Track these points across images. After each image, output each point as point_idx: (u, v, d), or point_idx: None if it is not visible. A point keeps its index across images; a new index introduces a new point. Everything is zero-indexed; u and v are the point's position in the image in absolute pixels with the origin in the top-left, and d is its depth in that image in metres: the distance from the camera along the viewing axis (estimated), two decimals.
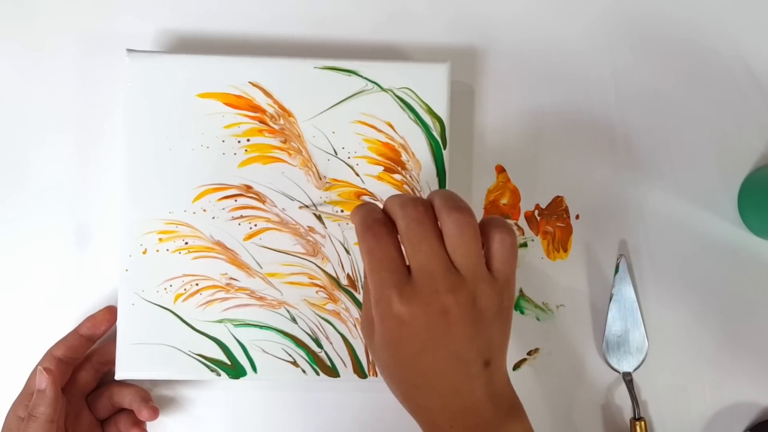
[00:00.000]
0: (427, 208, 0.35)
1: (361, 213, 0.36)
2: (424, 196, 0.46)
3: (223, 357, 0.45)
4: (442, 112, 0.46)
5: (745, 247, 0.51)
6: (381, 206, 0.37)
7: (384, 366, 0.37)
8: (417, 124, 0.46)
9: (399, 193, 0.44)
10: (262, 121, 0.46)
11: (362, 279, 0.46)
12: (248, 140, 0.46)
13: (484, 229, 0.35)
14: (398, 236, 0.35)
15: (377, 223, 0.35)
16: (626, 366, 0.50)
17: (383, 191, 0.46)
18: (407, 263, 0.35)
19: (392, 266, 0.34)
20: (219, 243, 0.46)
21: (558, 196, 0.51)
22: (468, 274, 0.34)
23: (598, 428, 0.50)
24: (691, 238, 0.51)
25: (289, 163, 0.46)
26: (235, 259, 0.46)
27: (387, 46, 0.51)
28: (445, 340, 0.34)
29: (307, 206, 0.46)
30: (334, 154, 0.46)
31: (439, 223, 0.35)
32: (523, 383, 0.50)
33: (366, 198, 0.46)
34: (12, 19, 0.50)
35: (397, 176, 0.46)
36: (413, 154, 0.46)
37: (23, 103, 0.50)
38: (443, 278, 0.33)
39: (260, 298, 0.46)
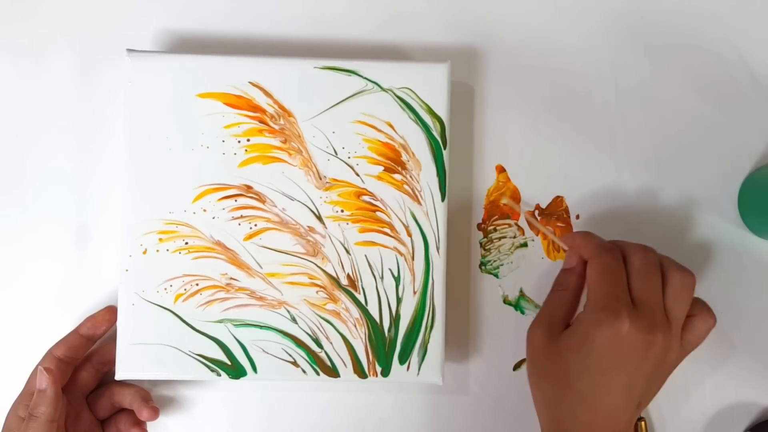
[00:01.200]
0: (660, 258, 0.41)
1: (597, 239, 0.43)
2: (424, 196, 0.46)
3: (223, 357, 0.45)
4: (442, 112, 0.46)
5: (745, 247, 0.51)
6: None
7: (559, 367, 0.40)
8: (417, 124, 0.46)
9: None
10: (262, 121, 0.46)
11: (362, 279, 0.46)
12: (248, 140, 0.46)
13: (693, 304, 0.41)
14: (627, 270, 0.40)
15: (617, 249, 0.41)
16: None
17: (383, 191, 0.46)
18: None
19: (626, 289, 0.39)
20: (219, 243, 0.46)
21: (558, 196, 0.51)
22: (674, 325, 0.40)
23: None
24: (691, 239, 0.51)
25: (289, 163, 0.46)
26: (235, 259, 0.46)
27: (387, 46, 0.51)
28: (634, 368, 0.39)
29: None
30: (334, 154, 0.46)
31: (664, 273, 0.40)
32: (523, 383, 0.50)
33: (366, 198, 0.46)
34: (12, 18, 0.50)
35: (397, 176, 0.46)
36: (413, 154, 0.46)
37: (23, 103, 0.50)
38: (660, 318, 0.39)
39: (260, 298, 0.46)
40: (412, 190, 0.46)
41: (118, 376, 0.45)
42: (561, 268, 0.45)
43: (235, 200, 0.46)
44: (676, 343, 0.40)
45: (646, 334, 0.38)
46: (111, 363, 0.46)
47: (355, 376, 0.46)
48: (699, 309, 0.41)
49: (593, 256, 0.41)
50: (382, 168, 0.46)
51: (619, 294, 0.39)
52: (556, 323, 0.42)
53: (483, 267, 0.50)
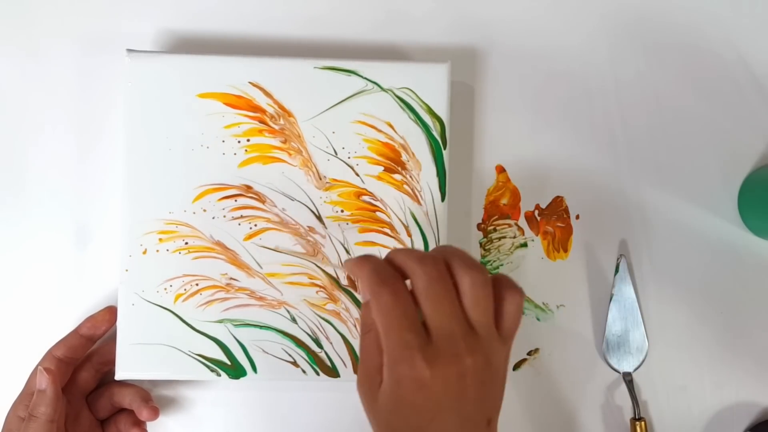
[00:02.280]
0: (445, 267, 0.34)
1: (370, 266, 0.35)
2: (424, 196, 0.46)
3: (223, 357, 0.45)
4: (442, 112, 0.46)
5: (745, 247, 0.51)
6: (383, 258, 0.36)
7: (388, 428, 0.35)
8: (417, 124, 0.46)
9: (402, 247, 0.41)
10: (262, 121, 0.46)
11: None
12: (248, 140, 0.46)
13: (494, 288, 0.35)
14: (413, 292, 0.34)
15: (393, 278, 0.34)
16: (626, 366, 0.50)
17: (383, 191, 0.46)
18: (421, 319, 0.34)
19: (414, 327, 0.33)
20: (219, 243, 0.46)
21: (558, 196, 0.51)
22: (483, 332, 0.34)
23: (598, 428, 0.50)
24: (691, 238, 0.51)
25: (289, 163, 0.46)
26: (235, 259, 0.46)
27: (387, 46, 0.51)
28: (458, 404, 0.33)
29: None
30: (334, 154, 0.46)
31: (455, 280, 0.34)
32: (523, 383, 0.50)
33: (366, 198, 0.46)
34: (12, 19, 0.50)
35: (397, 176, 0.46)
36: (413, 154, 0.46)
37: (23, 103, 0.50)
38: (463, 339, 0.33)
39: (260, 298, 0.46)
40: (412, 190, 0.46)
41: (118, 376, 0.45)
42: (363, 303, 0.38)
43: (235, 200, 0.46)
44: (496, 344, 0.34)
45: (453, 367, 0.33)
46: (111, 363, 0.46)
47: (355, 376, 0.46)
48: (503, 291, 0.35)
49: (371, 296, 0.34)
50: (382, 168, 0.46)
51: (407, 338, 0.33)
52: (373, 375, 0.35)
53: None
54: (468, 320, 0.34)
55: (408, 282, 0.35)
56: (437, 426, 0.34)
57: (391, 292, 0.34)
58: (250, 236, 0.46)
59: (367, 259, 0.36)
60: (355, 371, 0.46)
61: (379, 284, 0.34)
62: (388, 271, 0.35)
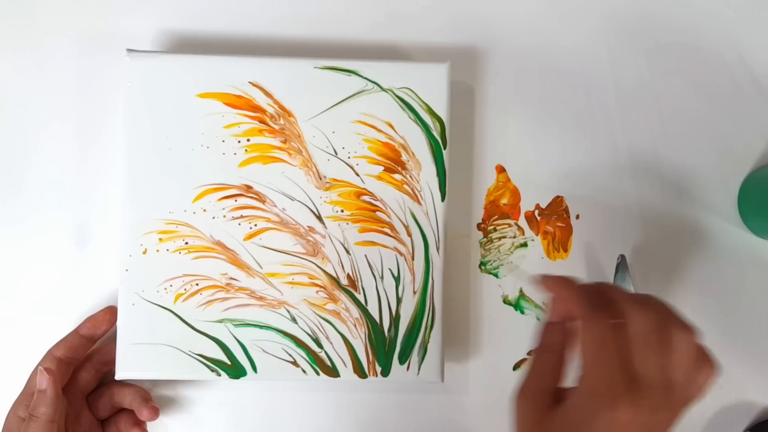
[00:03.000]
0: (663, 317, 0.35)
1: (583, 290, 0.35)
2: (424, 196, 0.46)
3: (223, 357, 0.45)
4: (442, 112, 0.46)
5: (745, 247, 0.51)
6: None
7: None
8: (417, 124, 0.46)
9: (611, 284, 0.40)
10: (262, 121, 0.46)
11: (362, 279, 0.46)
12: (248, 140, 0.46)
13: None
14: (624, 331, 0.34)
15: (606, 310, 0.35)
16: None
17: (383, 191, 0.46)
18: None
19: (626, 367, 0.33)
20: (219, 243, 0.46)
21: (558, 196, 0.51)
22: (677, 394, 0.34)
23: None
24: (691, 238, 0.51)
25: (289, 163, 0.46)
26: (235, 259, 0.46)
27: (387, 46, 0.51)
28: None
29: None
30: (334, 154, 0.46)
31: (668, 335, 0.34)
32: None
33: (366, 198, 0.46)
34: (12, 19, 0.50)
35: (397, 176, 0.46)
36: (413, 154, 0.46)
37: (23, 103, 0.50)
38: (663, 397, 0.33)
39: (260, 298, 0.46)
40: (412, 190, 0.46)
41: (118, 376, 0.45)
42: (544, 321, 0.39)
43: (235, 200, 0.46)
44: (679, 410, 0.35)
45: (648, 417, 0.33)
46: (111, 363, 0.46)
47: (355, 376, 0.46)
48: (700, 361, 0.35)
49: (585, 320, 0.35)
50: (382, 168, 0.46)
51: (617, 375, 0.33)
52: (545, 394, 0.36)
53: (483, 267, 0.50)
54: (671, 377, 0.34)
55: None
56: None
57: (608, 325, 0.34)
58: (250, 236, 0.46)
59: (571, 281, 0.36)
60: (355, 371, 0.46)
61: (600, 310, 0.34)
62: (603, 302, 0.35)
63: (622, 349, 0.34)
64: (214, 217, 0.45)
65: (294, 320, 0.46)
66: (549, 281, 0.37)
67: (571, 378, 0.36)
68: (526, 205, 0.51)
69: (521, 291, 0.50)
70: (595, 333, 0.34)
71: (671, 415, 0.34)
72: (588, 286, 0.36)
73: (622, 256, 0.50)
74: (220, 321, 0.45)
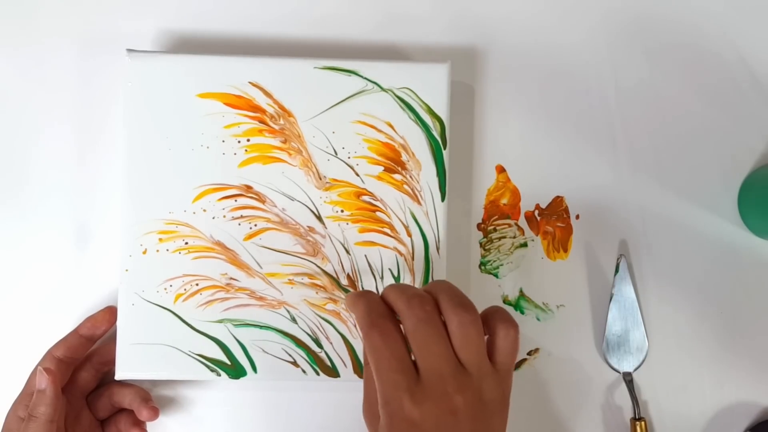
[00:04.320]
0: (433, 307, 0.35)
1: (364, 306, 0.36)
2: (424, 196, 0.46)
3: (223, 357, 0.45)
4: (442, 112, 0.46)
5: (745, 247, 0.51)
6: (379, 294, 0.37)
7: None
8: (417, 124, 0.46)
9: (396, 283, 0.41)
10: (262, 121, 0.46)
11: (362, 279, 0.46)
12: (248, 140, 0.46)
13: (487, 321, 0.36)
14: (403, 332, 0.35)
15: (383, 319, 0.35)
16: (626, 366, 0.50)
17: (383, 191, 0.46)
18: (412, 358, 0.35)
19: (402, 367, 0.34)
20: (219, 243, 0.46)
21: (558, 196, 0.51)
22: (474, 370, 0.34)
23: (598, 428, 0.50)
24: (691, 238, 0.51)
25: (289, 163, 0.46)
26: (235, 259, 0.46)
27: (387, 46, 0.51)
28: None
29: None
30: (334, 154, 0.46)
31: (443, 319, 0.35)
32: (523, 383, 0.50)
33: (366, 198, 0.46)
34: (12, 19, 0.50)
35: (397, 176, 0.46)
36: (413, 154, 0.46)
37: (23, 103, 0.50)
38: (452, 378, 0.34)
39: (260, 298, 0.46)
40: (412, 190, 0.46)
41: (118, 376, 0.45)
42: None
43: (235, 200, 0.46)
44: (488, 380, 0.35)
45: (443, 406, 0.33)
46: (111, 363, 0.46)
47: (355, 376, 0.46)
48: (496, 325, 0.36)
49: (363, 336, 0.35)
50: (382, 168, 0.46)
51: (396, 379, 0.34)
52: (374, 407, 0.36)
53: (483, 267, 0.50)
54: (458, 359, 0.34)
55: None
56: None
57: (380, 334, 0.34)
58: (250, 236, 0.46)
59: (362, 296, 0.37)
60: (355, 371, 0.46)
61: (370, 325, 0.35)
62: (381, 311, 0.36)
63: (398, 351, 0.34)
64: (214, 217, 0.45)
65: (294, 320, 0.46)
66: (347, 300, 0.38)
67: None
68: (526, 205, 0.51)
69: (521, 291, 0.50)
70: (371, 344, 0.35)
71: (476, 391, 0.34)
72: (371, 298, 0.36)
73: (622, 256, 0.50)
74: (220, 321, 0.45)
